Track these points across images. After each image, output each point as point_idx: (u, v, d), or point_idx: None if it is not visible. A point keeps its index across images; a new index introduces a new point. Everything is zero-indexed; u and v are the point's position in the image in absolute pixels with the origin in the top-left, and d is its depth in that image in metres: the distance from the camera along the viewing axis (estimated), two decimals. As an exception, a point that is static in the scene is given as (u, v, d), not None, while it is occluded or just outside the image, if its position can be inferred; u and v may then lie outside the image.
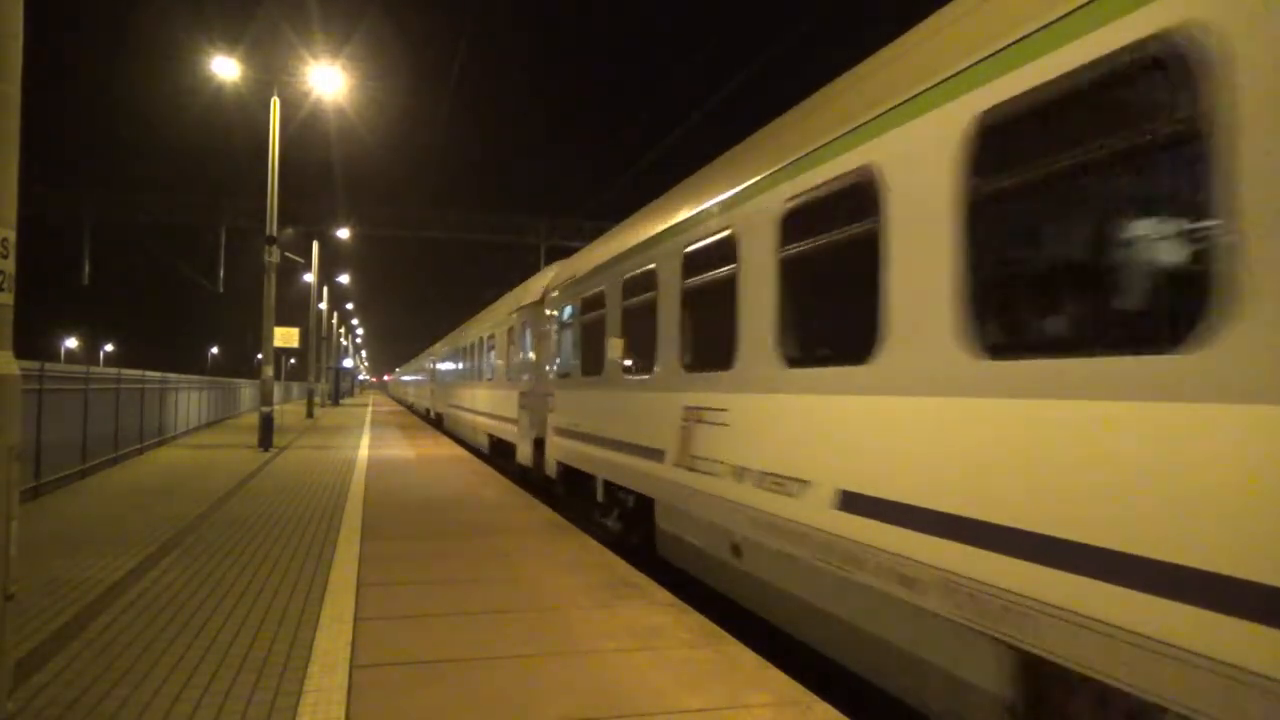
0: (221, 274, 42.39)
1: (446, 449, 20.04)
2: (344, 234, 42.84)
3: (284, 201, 20.84)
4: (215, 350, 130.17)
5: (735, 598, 6.25)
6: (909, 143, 4.25)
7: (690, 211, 6.98)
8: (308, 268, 40.52)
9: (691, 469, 6.68)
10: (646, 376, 7.74)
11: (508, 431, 15.92)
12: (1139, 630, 2.88)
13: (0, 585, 3.50)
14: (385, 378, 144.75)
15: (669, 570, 7.65)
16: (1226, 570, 2.62)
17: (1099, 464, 3.09)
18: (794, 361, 5.30)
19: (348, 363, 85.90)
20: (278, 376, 29.52)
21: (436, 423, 32.15)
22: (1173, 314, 2.95)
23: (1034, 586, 3.33)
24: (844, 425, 4.71)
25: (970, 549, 3.67)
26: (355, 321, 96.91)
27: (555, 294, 12.09)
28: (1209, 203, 2.77)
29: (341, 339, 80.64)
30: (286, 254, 25.97)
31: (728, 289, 6.09)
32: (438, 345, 32.68)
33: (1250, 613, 2.55)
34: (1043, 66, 3.42)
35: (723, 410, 6.20)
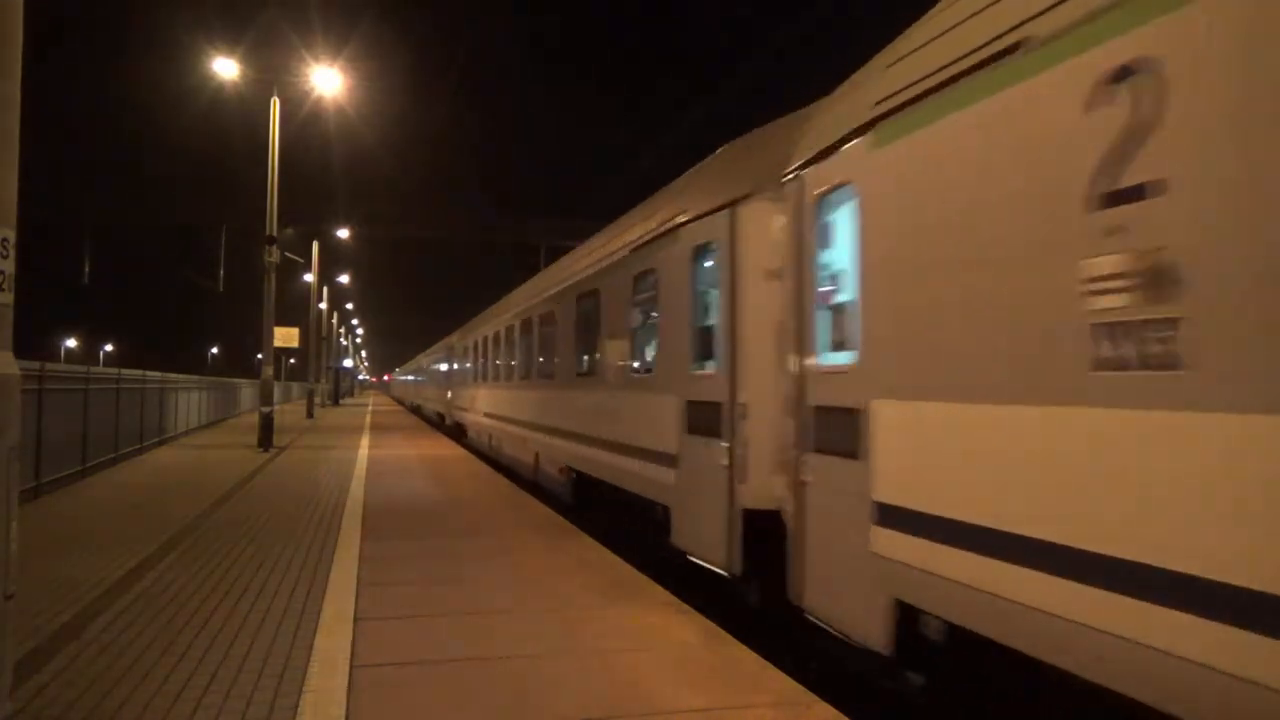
0: (222, 274, 42.40)
1: (446, 449, 20.05)
2: (344, 234, 42.87)
3: (284, 201, 20.86)
4: (215, 350, 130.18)
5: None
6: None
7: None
8: (308, 268, 40.55)
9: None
10: None
11: None
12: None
13: (0, 585, 3.49)
14: (385, 378, 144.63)
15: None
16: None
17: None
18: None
19: (348, 363, 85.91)
20: (278, 376, 29.51)
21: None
22: None
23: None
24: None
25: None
26: (355, 321, 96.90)
27: None
28: None
29: (341, 339, 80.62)
30: (286, 254, 25.97)
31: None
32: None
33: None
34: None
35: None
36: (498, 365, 17.69)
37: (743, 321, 5.98)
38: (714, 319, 6.55)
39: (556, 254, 24.86)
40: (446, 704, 4.07)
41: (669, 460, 7.15)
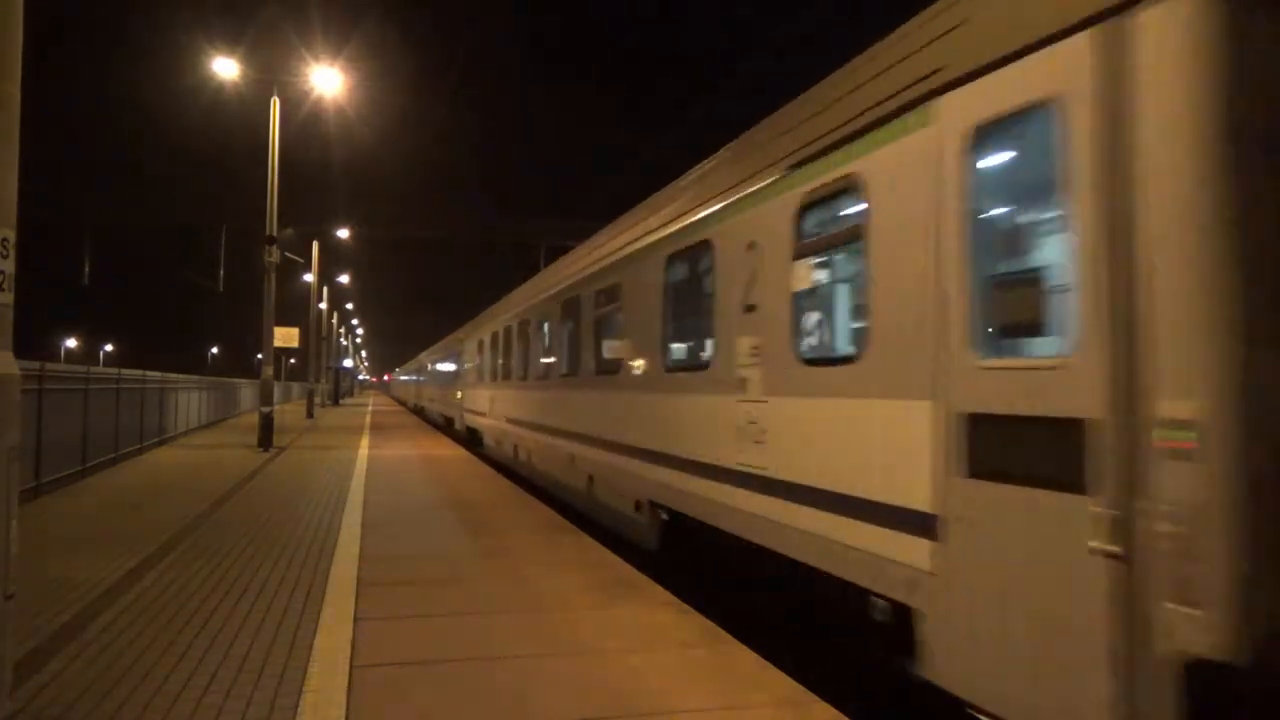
0: (222, 274, 42.38)
1: (446, 449, 20.04)
2: (344, 234, 42.88)
3: (284, 201, 20.86)
4: (215, 350, 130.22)
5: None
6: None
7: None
8: (308, 268, 40.56)
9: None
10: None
11: None
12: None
13: (0, 585, 3.49)
14: (385, 378, 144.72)
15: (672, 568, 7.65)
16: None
17: None
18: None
19: (348, 363, 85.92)
20: (278, 376, 29.50)
21: None
22: None
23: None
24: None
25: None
26: (355, 321, 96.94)
27: None
28: None
29: (341, 339, 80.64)
30: (286, 254, 25.97)
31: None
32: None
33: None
34: None
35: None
36: (529, 359, 13.89)
37: (1169, 250, 2.88)
38: (1042, 258, 3.65)
39: (557, 254, 24.70)
40: (446, 704, 4.07)
41: (914, 523, 4.01)
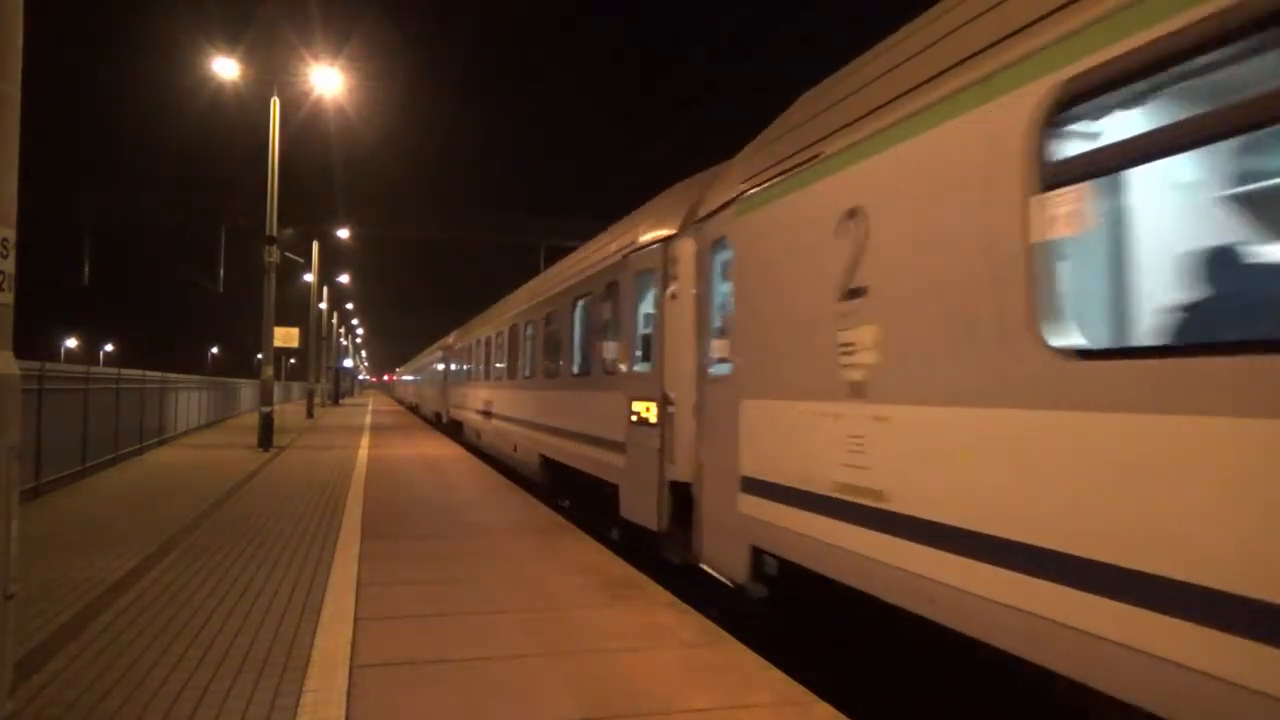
0: (221, 274, 42.37)
1: (446, 449, 20.05)
2: (344, 234, 42.88)
3: (284, 201, 20.85)
4: (215, 350, 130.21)
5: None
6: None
7: None
8: (308, 268, 40.55)
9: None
10: None
11: None
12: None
13: (0, 585, 3.49)
14: (386, 378, 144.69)
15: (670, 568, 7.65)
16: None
17: None
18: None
19: (348, 363, 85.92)
20: (278, 376, 29.49)
21: None
22: None
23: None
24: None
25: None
26: (355, 321, 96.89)
27: None
28: None
29: (341, 339, 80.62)
30: (287, 254, 25.96)
31: None
32: None
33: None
34: None
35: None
36: None
37: None
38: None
39: (557, 254, 24.59)
40: (447, 704, 4.07)
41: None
